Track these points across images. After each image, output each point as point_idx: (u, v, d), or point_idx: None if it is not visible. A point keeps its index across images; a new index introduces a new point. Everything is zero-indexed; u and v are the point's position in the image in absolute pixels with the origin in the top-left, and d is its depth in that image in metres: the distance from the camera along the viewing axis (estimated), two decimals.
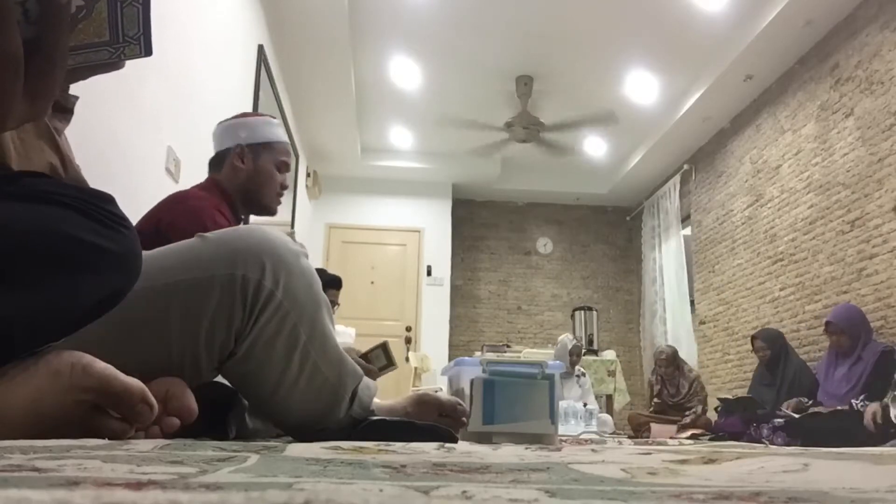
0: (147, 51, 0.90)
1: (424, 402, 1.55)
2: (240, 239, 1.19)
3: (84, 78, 0.97)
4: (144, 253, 1.17)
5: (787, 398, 4.76)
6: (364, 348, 3.07)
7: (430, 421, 1.48)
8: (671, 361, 5.96)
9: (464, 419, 1.59)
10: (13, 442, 0.75)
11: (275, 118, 2.20)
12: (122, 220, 0.93)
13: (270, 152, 2.09)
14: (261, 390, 1.24)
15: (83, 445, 0.76)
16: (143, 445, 0.82)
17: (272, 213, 2.16)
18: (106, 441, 0.85)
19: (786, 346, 5.24)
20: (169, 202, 1.94)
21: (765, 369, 5.30)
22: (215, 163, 2.13)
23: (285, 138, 2.17)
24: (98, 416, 0.90)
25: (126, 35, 0.88)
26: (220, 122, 2.17)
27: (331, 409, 1.30)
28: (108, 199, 0.94)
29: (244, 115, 2.22)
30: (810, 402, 4.63)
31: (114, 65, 0.96)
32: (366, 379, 1.38)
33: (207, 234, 1.21)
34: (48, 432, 0.85)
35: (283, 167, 2.12)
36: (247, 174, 2.06)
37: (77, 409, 0.88)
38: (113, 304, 0.93)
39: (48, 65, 0.85)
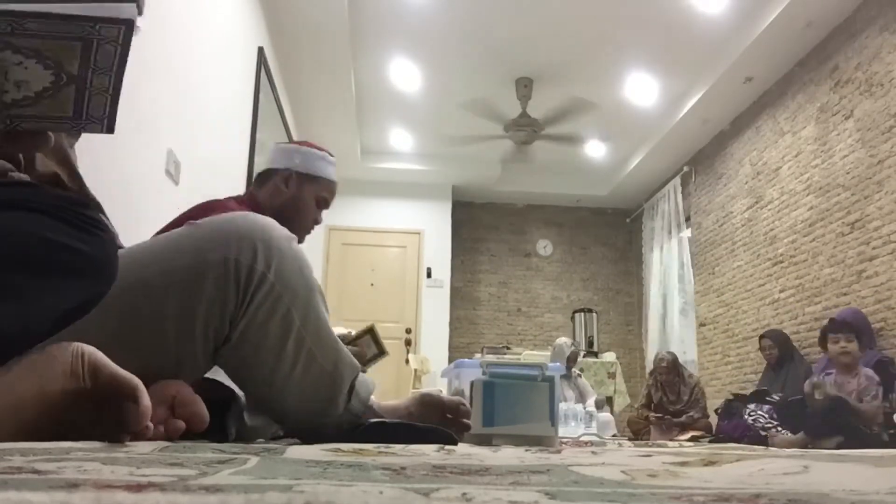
0: (109, 129, 0.93)
1: (427, 403, 1.54)
2: (230, 223, 1.19)
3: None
4: (136, 244, 1.17)
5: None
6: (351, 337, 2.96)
7: (433, 422, 1.46)
8: (672, 368, 5.93)
9: (465, 420, 1.58)
10: (13, 444, 0.75)
11: (333, 156, 2.23)
12: (98, 223, 0.92)
13: (316, 185, 2.13)
14: (257, 376, 1.24)
15: (83, 447, 0.76)
16: (143, 447, 0.82)
17: (298, 242, 2.18)
18: (106, 443, 0.85)
19: (792, 349, 5.27)
20: (200, 208, 1.95)
21: (770, 370, 5.33)
22: (260, 179, 2.16)
23: (335, 178, 2.20)
24: (100, 409, 0.90)
25: (90, 115, 0.91)
26: (280, 143, 2.21)
27: (329, 402, 1.29)
28: (84, 204, 0.93)
29: (305, 143, 2.25)
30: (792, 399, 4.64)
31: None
32: (362, 374, 1.37)
33: (198, 222, 1.21)
34: (59, 424, 0.85)
35: (323, 203, 2.16)
36: (286, 199, 2.10)
37: (82, 401, 0.88)
38: (86, 311, 0.92)
39: None
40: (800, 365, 5.18)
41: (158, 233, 1.87)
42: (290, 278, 1.21)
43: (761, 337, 5.45)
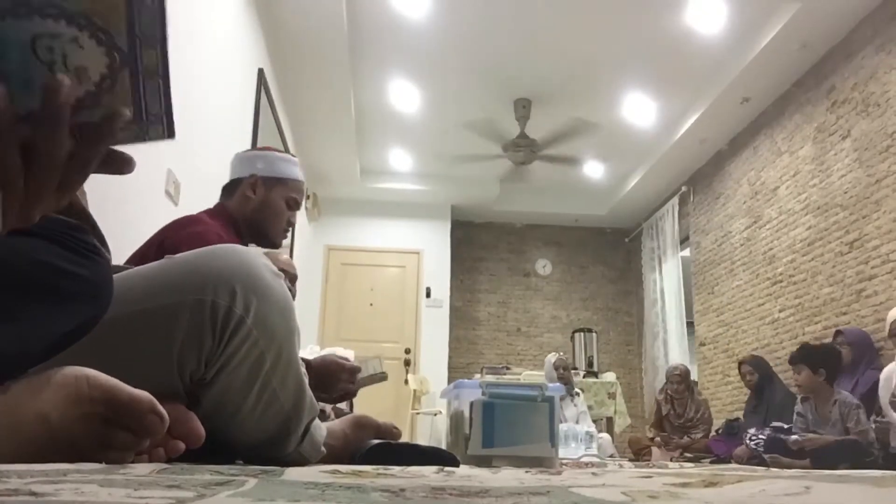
0: (170, 132, 0.67)
1: (362, 425, 1.57)
2: (210, 261, 1.15)
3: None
4: (115, 276, 1.15)
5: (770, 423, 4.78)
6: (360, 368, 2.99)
7: (367, 443, 1.50)
8: (684, 379, 5.95)
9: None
10: (10, 466, 0.74)
11: (295, 157, 2.23)
12: (95, 248, 0.92)
13: (283, 187, 2.13)
14: (221, 414, 1.21)
15: (80, 469, 0.76)
16: (141, 469, 0.82)
17: (276, 246, 2.19)
18: (103, 465, 0.84)
19: (771, 374, 5.31)
20: (175, 225, 1.95)
21: (753, 396, 5.36)
22: (227, 190, 2.16)
23: (302, 177, 2.20)
24: (109, 430, 0.89)
25: (149, 113, 0.65)
26: (239, 153, 2.20)
27: (281, 441, 1.27)
28: (78, 228, 0.93)
29: (265, 148, 2.27)
30: (789, 426, 4.60)
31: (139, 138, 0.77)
32: (318, 420, 1.36)
33: (176, 256, 1.18)
34: (61, 446, 0.84)
35: (293, 204, 2.16)
36: (256, 205, 2.09)
37: (86, 423, 0.87)
38: (84, 333, 0.91)
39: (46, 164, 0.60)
40: (778, 390, 5.21)
41: (135, 253, 1.86)
42: (268, 322, 1.16)
43: (740, 363, 5.49)
